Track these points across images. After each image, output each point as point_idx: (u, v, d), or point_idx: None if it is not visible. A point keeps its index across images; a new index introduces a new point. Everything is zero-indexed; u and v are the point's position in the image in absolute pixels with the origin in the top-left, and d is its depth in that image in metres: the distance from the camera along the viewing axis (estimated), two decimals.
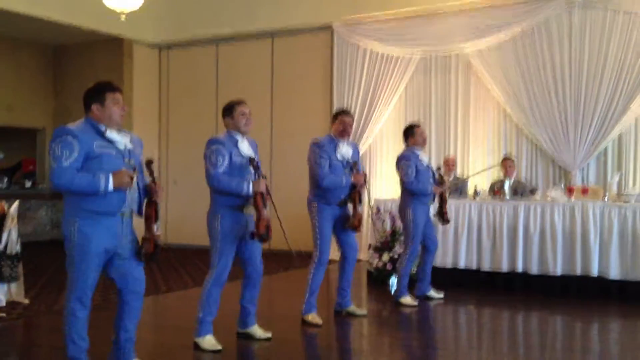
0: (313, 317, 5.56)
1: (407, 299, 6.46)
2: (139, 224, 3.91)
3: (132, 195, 3.80)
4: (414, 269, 6.82)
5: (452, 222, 7.29)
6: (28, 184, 12.30)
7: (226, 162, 4.63)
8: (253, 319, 5.01)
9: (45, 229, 12.35)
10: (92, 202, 3.66)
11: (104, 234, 3.71)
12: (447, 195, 6.73)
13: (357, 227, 5.64)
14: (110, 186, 3.61)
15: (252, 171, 4.66)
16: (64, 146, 3.60)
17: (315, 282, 5.59)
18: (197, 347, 4.71)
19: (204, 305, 4.72)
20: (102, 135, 3.72)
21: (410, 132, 6.50)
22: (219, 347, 4.65)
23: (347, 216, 5.65)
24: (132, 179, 3.69)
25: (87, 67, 12.08)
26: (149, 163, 3.84)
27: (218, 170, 4.61)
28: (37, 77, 12.35)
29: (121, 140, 3.78)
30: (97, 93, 3.78)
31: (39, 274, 8.11)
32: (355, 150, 5.87)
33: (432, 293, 6.73)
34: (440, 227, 7.26)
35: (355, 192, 5.61)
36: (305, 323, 5.53)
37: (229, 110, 4.80)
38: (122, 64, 11.67)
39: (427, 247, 6.69)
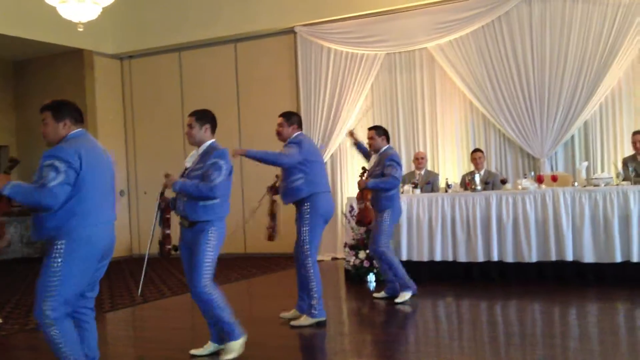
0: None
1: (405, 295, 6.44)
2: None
3: None
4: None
5: (425, 215, 7.36)
6: None
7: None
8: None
9: (16, 247, 12.10)
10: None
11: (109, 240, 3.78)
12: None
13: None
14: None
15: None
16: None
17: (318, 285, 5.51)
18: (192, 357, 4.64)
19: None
20: None
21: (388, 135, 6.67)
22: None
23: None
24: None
25: (48, 81, 11.92)
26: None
27: (222, 180, 4.45)
28: None
29: None
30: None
31: (11, 293, 7.94)
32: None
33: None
34: (414, 221, 7.33)
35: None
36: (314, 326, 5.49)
37: (210, 120, 4.71)
38: (83, 75, 11.55)
39: None
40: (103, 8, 8.09)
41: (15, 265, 11.16)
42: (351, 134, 6.85)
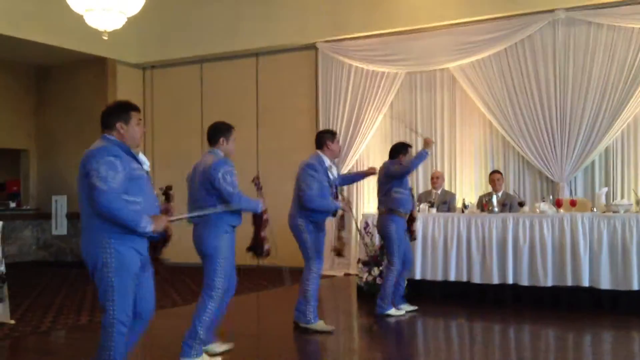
0: (324, 324, 5.72)
1: (394, 310, 6.54)
2: None
3: None
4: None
5: (441, 235, 7.32)
6: (12, 204, 12.18)
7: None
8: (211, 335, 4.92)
9: (30, 250, 12.21)
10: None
11: (137, 254, 3.63)
12: (416, 213, 6.83)
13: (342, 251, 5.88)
14: (149, 230, 3.54)
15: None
16: (108, 167, 3.49)
17: (314, 290, 5.73)
18: None
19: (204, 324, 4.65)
20: (133, 156, 3.66)
21: (403, 151, 6.68)
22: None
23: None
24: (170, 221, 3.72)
25: (70, 87, 12.06)
26: (168, 189, 3.90)
27: (236, 190, 4.60)
28: (19, 98, 12.28)
29: (146, 162, 3.75)
30: (123, 111, 3.70)
31: (25, 295, 7.98)
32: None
33: (406, 306, 6.73)
34: (429, 240, 7.29)
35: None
36: (312, 332, 5.64)
37: (227, 132, 4.87)
38: (106, 84, 11.63)
39: (404, 263, 6.72)
40: (128, 18, 8.18)
41: (30, 268, 11.22)
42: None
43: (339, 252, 5.95)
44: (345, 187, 5.98)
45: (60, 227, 11.84)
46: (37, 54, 11.34)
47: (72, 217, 11.55)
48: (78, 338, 5.73)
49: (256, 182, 4.85)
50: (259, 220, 4.78)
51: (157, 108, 12.06)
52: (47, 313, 6.88)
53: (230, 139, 4.79)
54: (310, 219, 5.73)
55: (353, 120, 10.19)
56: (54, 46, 10.68)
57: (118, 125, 3.66)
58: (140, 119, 3.75)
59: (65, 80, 12.16)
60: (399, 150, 6.67)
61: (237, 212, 4.64)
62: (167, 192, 3.86)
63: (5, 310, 6.17)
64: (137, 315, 3.74)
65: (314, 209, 5.66)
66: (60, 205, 11.86)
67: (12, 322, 6.18)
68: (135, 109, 3.76)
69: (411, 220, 6.67)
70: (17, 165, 12.64)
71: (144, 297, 3.74)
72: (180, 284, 8.96)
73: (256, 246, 4.84)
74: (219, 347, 4.92)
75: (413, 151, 6.86)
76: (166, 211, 3.84)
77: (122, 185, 3.50)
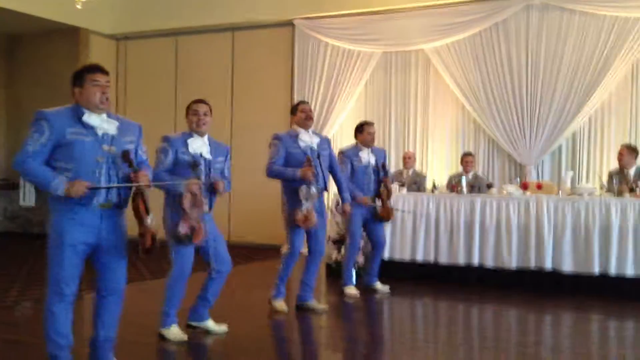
0: (280, 305, 5.67)
1: (351, 288, 6.61)
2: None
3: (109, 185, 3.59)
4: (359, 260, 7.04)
5: (410, 216, 7.39)
6: None
7: (168, 159, 4.64)
8: (207, 313, 4.95)
9: None
10: None
11: (80, 226, 3.53)
12: (387, 193, 6.71)
13: (298, 222, 5.52)
14: (60, 192, 3.42)
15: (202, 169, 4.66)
16: (36, 129, 3.47)
17: (284, 271, 5.68)
18: (163, 338, 4.69)
19: (169, 298, 4.70)
20: (79, 120, 3.53)
21: (359, 129, 6.68)
22: (184, 338, 4.67)
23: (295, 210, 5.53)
24: (88, 189, 3.46)
25: (41, 57, 11.87)
26: (125, 154, 3.59)
27: (158, 169, 4.58)
28: None
29: (101, 125, 3.57)
30: (77, 75, 3.62)
31: None
32: (325, 142, 5.88)
33: (378, 285, 6.83)
34: (398, 220, 7.36)
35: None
36: (271, 310, 5.62)
37: (186, 109, 4.83)
38: (78, 54, 11.43)
39: (373, 244, 6.84)
40: None
41: None
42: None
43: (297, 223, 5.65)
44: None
45: (28, 198, 11.70)
46: (8, 21, 11.09)
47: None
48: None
49: (194, 163, 4.64)
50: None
51: (130, 80, 11.92)
52: (13, 286, 6.84)
53: (187, 114, 4.79)
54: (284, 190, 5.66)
55: (328, 98, 10.21)
56: (26, 14, 10.44)
57: (75, 90, 3.62)
58: (95, 80, 3.57)
59: (36, 49, 11.96)
60: (355, 131, 6.71)
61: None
62: (126, 158, 3.59)
63: None
64: (97, 291, 3.74)
65: (273, 178, 5.62)
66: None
67: None
68: (90, 70, 3.62)
69: (382, 201, 6.69)
70: None
71: (101, 275, 3.70)
72: (149, 259, 8.95)
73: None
74: (214, 326, 4.95)
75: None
76: (130, 180, 3.61)
77: (42, 149, 3.45)
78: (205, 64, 11.24)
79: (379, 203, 6.70)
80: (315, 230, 5.69)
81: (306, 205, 5.46)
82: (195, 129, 4.75)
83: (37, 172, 3.45)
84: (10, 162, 12.08)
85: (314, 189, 5.47)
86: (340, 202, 7.49)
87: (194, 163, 4.60)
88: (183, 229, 4.43)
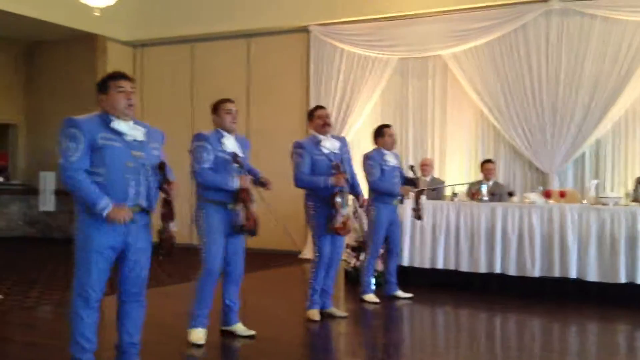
0: (312, 314, 5.62)
1: (371, 296, 6.52)
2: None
3: (139, 191, 3.60)
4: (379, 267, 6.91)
5: (429, 223, 7.31)
6: (0, 179, 12.08)
7: (211, 157, 4.65)
8: (236, 316, 4.98)
9: (17, 225, 12.13)
10: None
11: (108, 231, 3.53)
12: (419, 193, 6.74)
13: (339, 230, 5.48)
14: (105, 214, 3.44)
15: (237, 167, 4.65)
16: (70, 138, 3.46)
17: (317, 281, 5.60)
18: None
19: (198, 298, 4.70)
20: (108, 126, 3.55)
21: (379, 133, 6.63)
22: (200, 343, 4.65)
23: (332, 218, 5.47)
24: (130, 218, 3.52)
25: (60, 63, 11.96)
26: (162, 165, 3.67)
27: (203, 166, 4.63)
28: (10, 73, 12.18)
29: (129, 131, 3.60)
30: (102, 83, 3.65)
31: (11, 270, 7.96)
32: (344, 144, 5.83)
33: (399, 293, 6.74)
34: (418, 227, 7.29)
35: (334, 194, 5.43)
36: (308, 320, 5.57)
37: (215, 107, 4.85)
38: (95, 61, 11.54)
39: (390, 250, 6.75)
40: None
41: (16, 243, 11.16)
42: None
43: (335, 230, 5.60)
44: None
45: (47, 203, 11.75)
46: (27, 28, 11.18)
47: (60, 193, 11.44)
48: (64, 313, 5.67)
49: (238, 160, 4.66)
50: (242, 197, 4.65)
51: (146, 87, 11.93)
52: (33, 288, 6.87)
53: (219, 113, 4.81)
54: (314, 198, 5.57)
55: (344, 104, 10.16)
56: (45, 21, 10.54)
57: (100, 97, 3.64)
58: (120, 86, 3.60)
59: (55, 55, 12.04)
60: (375, 135, 6.67)
61: (215, 188, 4.64)
62: (162, 170, 3.68)
63: None
64: (119, 296, 3.73)
65: (303, 188, 5.57)
66: (47, 181, 11.75)
67: (0, 296, 6.16)
68: (114, 77, 3.65)
69: (416, 199, 6.67)
70: (5, 140, 12.54)
71: (123, 280, 3.70)
72: (168, 262, 8.92)
73: (246, 225, 4.67)
74: (243, 330, 4.96)
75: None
76: (163, 190, 3.71)
77: (84, 157, 3.47)
78: (221, 71, 11.24)
79: (411, 203, 6.69)
80: (334, 237, 5.62)
81: (344, 212, 5.44)
82: (228, 127, 4.78)
83: (87, 188, 3.45)
84: (30, 166, 12.24)
85: (347, 195, 5.45)
86: (357, 205, 7.45)
87: (235, 156, 4.61)
88: (250, 223, 4.61)
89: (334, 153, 5.58)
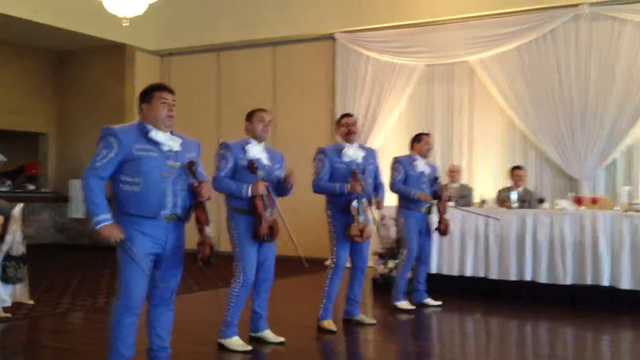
0: (329, 324, 5.49)
1: (404, 303, 6.47)
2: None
3: (176, 201, 3.64)
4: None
5: (458, 230, 7.25)
6: (31, 187, 12.28)
7: (230, 165, 4.70)
8: (264, 323, 4.98)
9: (48, 232, 12.30)
10: (130, 206, 3.56)
11: (147, 238, 3.57)
12: (445, 206, 6.63)
13: (355, 237, 5.43)
14: (97, 228, 3.47)
15: (252, 174, 4.66)
16: (104, 146, 3.52)
17: (331, 288, 5.53)
18: (223, 348, 4.71)
19: (231, 308, 4.72)
20: (146, 136, 3.61)
21: (416, 139, 6.60)
22: (249, 348, 4.69)
23: (349, 225, 5.45)
24: (120, 239, 3.51)
25: (89, 73, 12.14)
26: (191, 164, 3.71)
27: (220, 173, 4.70)
28: (40, 82, 12.35)
29: (166, 142, 3.64)
30: (146, 93, 3.72)
31: (43, 276, 8.06)
32: (371, 155, 5.78)
33: (429, 301, 6.69)
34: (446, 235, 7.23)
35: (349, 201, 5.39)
36: (319, 329, 5.47)
37: (249, 115, 4.90)
38: (123, 70, 11.70)
39: (419, 258, 6.68)
40: (148, 5, 8.16)
41: (47, 250, 11.31)
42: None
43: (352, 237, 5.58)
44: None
45: (77, 210, 11.90)
46: (57, 39, 11.38)
47: None
48: (95, 319, 5.78)
49: (253, 166, 4.64)
50: (253, 204, 4.60)
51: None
52: (65, 294, 6.95)
53: (252, 120, 4.86)
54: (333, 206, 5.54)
55: (370, 111, 10.15)
56: (74, 32, 10.72)
57: (143, 106, 3.71)
58: (163, 97, 3.68)
59: (84, 65, 12.22)
60: (412, 141, 6.63)
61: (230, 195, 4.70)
62: (191, 169, 3.70)
63: (25, 291, 6.26)
64: (148, 300, 3.76)
65: (319, 193, 5.57)
66: (77, 189, 11.90)
67: (32, 302, 6.27)
68: (158, 88, 3.74)
69: (440, 214, 6.58)
70: (36, 149, 12.72)
71: (154, 285, 3.71)
72: (196, 271, 8.97)
73: (257, 232, 4.64)
74: (272, 337, 4.96)
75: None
76: (194, 190, 3.71)
77: (109, 165, 3.51)
78: (247, 79, 11.30)
79: (436, 216, 6.60)
80: (359, 245, 5.58)
81: (360, 219, 5.39)
82: (259, 136, 4.82)
83: (95, 197, 3.49)
84: (60, 174, 12.36)
85: (364, 202, 5.40)
86: (386, 215, 7.40)
87: (250, 163, 4.62)
88: (263, 230, 4.59)
89: (356, 162, 5.55)
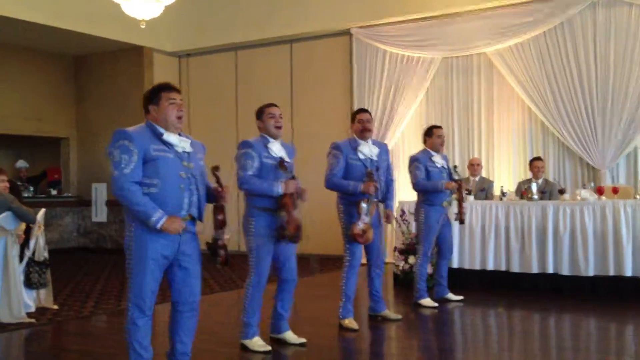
0: (350, 322, 5.49)
1: (427, 301, 6.44)
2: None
3: (192, 200, 3.65)
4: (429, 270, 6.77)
5: (478, 223, 7.22)
6: (53, 192, 12.45)
7: (255, 164, 4.62)
8: (286, 324, 4.97)
9: (71, 236, 12.45)
10: None
11: (161, 239, 3.56)
12: (463, 195, 6.63)
13: (356, 237, 5.36)
14: (159, 226, 3.46)
15: (283, 172, 4.62)
16: (122, 151, 3.48)
17: (348, 286, 5.50)
18: (244, 348, 4.72)
19: (247, 309, 4.71)
20: (159, 138, 3.60)
21: (428, 133, 6.54)
22: (269, 348, 4.69)
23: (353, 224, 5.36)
24: (183, 228, 3.55)
25: (108, 76, 12.24)
26: (215, 169, 3.75)
27: (247, 172, 4.61)
28: (60, 87, 12.49)
29: (179, 143, 3.64)
30: (153, 94, 3.68)
31: (67, 281, 8.17)
32: (384, 151, 5.75)
33: (451, 296, 6.66)
34: (467, 229, 7.20)
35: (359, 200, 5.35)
36: (342, 328, 5.47)
37: (259, 112, 4.82)
38: (142, 72, 11.79)
39: (442, 252, 6.66)
40: (164, 6, 8.22)
41: (70, 254, 11.46)
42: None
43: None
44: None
45: (100, 214, 12.05)
46: (76, 43, 11.50)
47: (112, 204, 11.71)
48: (118, 322, 5.82)
49: (284, 165, 4.62)
50: (285, 203, 4.55)
51: (193, 95, 12.13)
52: (89, 298, 7.03)
53: (263, 118, 4.79)
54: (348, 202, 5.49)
55: (388, 106, 10.11)
56: (93, 35, 10.82)
57: (150, 107, 3.67)
58: (171, 99, 3.64)
59: (103, 69, 12.33)
60: (424, 136, 6.59)
61: (260, 195, 4.63)
62: (214, 173, 3.75)
63: (49, 296, 6.34)
64: (173, 305, 3.78)
65: (332, 189, 5.50)
66: (99, 192, 12.06)
67: (55, 307, 6.35)
68: (166, 89, 3.68)
69: (459, 202, 6.55)
70: (58, 153, 12.87)
71: (177, 289, 3.73)
72: (217, 271, 9.04)
73: (286, 231, 4.59)
74: (294, 338, 4.94)
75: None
76: (217, 193, 3.75)
77: (137, 169, 3.49)
78: (264, 76, 11.33)
79: (455, 207, 6.57)
80: (372, 243, 5.54)
81: (365, 220, 5.32)
82: (274, 133, 4.75)
83: (140, 201, 3.47)
84: (82, 179, 12.50)
85: (374, 202, 5.35)
86: (406, 210, 7.41)
87: (281, 162, 4.59)
88: (291, 229, 4.53)
89: (371, 160, 5.50)
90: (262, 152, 4.66)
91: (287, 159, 4.73)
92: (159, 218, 3.46)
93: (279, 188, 4.54)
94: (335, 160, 5.44)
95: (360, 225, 5.29)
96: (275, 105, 4.86)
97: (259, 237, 4.64)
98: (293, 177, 4.63)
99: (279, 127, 4.76)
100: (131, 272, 3.59)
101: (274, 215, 4.61)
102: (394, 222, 8.03)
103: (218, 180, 3.73)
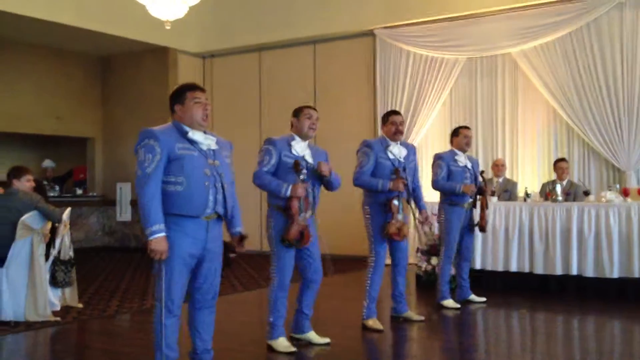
0: (374, 322, 5.49)
1: (449, 302, 6.41)
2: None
3: (217, 198, 3.67)
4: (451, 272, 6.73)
5: (502, 225, 7.18)
6: (79, 191, 12.60)
7: (273, 161, 4.63)
8: (309, 324, 4.96)
9: (96, 235, 12.60)
10: (172, 206, 3.56)
11: (188, 238, 3.59)
12: (487, 202, 6.57)
13: (393, 235, 5.40)
14: (150, 238, 3.47)
15: (296, 173, 4.60)
16: (147, 150, 3.52)
17: (373, 287, 5.50)
18: (270, 349, 4.73)
19: (273, 309, 4.72)
20: (184, 136, 3.64)
21: (455, 133, 6.54)
22: (293, 349, 4.67)
23: (387, 223, 5.40)
24: (162, 259, 3.53)
25: (133, 77, 12.35)
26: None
27: (262, 168, 4.63)
28: (85, 87, 12.63)
29: (204, 141, 3.67)
30: (178, 93, 3.73)
31: (91, 280, 8.25)
32: (412, 152, 5.75)
33: (473, 297, 6.63)
34: (490, 230, 7.16)
35: (391, 199, 5.35)
36: (365, 328, 5.47)
37: (296, 111, 4.83)
38: (167, 73, 11.88)
39: (461, 254, 6.61)
40: (189, 7, 8.29)
41: (95, 253, 11.59)
42: None
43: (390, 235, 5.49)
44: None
45: (124, 213, 12.18)
46: (101, 44, 11.64)
47: (136, 203, 11.76)
48: (142, 321, 5.88)
49: (298, 166, 4.58)
50: (288, 206, 4.55)
51: (217, 96, 12.19)
52: (113, 297, 7.10)
53: (300, 117, 4.79)
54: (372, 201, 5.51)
55: (412, 107, 10.09)
56: (118, 36, 10.93)
57: (176, 107, 3.71)
58: (196, 97, 3.68)
59: (128, 69, 12.46)
60: (451, 135, 6.58)
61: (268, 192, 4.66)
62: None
63: (74, 294, 6.41)
64: (192, 302, 3.80)
65: (360, 187, 5.49)
66: (124, 192, 12.18)
67: (80, 305, 6.42)
68: (191, 88, 3.72)
69: (481, 209, 6.51)
70: (83, 153, 13.02)
71: (198, 285, 3.75)
72: (240, 270, 9.09)
73: (285, 235, 4.56)
74: (317, 338, 4.94)
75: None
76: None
77: (159, 168, 3.52)
78: (288, 77, 11.36)
79: (477, 212, 6.53)
80: (399, 242, 5.56)
81: (399, 218, 5.35)
82: (305, 134, 4.76)
83: (152, 205, 3.48)
84: (107, 178, 12.59)
85: (404, 201, 5.38)
86: (419, 211, 7.35)
87: (296, 163, 4.57)
88: (292, 233, 4.50)
89: (399, 160, 5.52)
90: (284, 150, 4.66)
91: (308, 158, 4.72)
92: (155, 232, 3.47)
93: (287, 190, 4.52)
94: (365, 158, 5.46)
95: (395, 224, 5.34)
96: (314, 108, 4.88)
97: (279, 238, 4.63)
98: (303, 181, 4.56)
99: (312, 129, 4.76)
100: (159, 271, 3.60)
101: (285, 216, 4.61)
102: (416, 221, 8.01)
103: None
